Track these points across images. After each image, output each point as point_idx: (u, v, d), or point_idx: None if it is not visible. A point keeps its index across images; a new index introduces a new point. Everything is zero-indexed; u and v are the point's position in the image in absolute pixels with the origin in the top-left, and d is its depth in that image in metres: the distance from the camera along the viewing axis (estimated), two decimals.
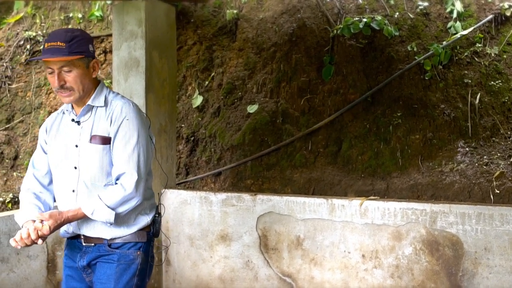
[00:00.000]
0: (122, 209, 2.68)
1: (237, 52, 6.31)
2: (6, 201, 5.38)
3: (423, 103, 5.24)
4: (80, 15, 6.87)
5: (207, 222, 4.68)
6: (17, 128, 6.28)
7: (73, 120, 2.79)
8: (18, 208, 5.18)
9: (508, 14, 5.72)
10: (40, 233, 2.55)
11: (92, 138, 2.73)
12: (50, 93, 6.50)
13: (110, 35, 6.23)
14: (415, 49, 5.59)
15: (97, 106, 2.77)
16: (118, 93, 2.90)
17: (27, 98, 6.46)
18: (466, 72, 5.44)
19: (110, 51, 6.39)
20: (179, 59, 6.58)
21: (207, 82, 6.27)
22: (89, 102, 2.75)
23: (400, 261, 4.10)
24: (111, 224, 2.69)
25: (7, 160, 5.94)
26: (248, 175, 5.35)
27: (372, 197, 4.32)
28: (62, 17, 6.88)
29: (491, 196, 4.34)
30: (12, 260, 4.07)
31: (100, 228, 2.75)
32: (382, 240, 4.16)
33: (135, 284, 2.79)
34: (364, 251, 4.23)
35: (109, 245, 2.76)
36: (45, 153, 2.90)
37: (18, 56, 6.68)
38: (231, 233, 4.73)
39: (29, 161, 5.69)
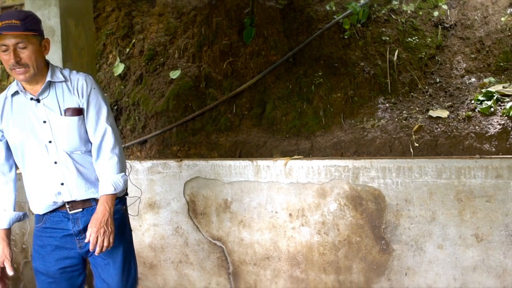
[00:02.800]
0: (124, 165, 3.00)
1: (157, 18, 6.20)
2: None
3: (344, 62, 5.30)
4: None
5: (134, 190, 4.64)
6: None
7: (31, 98, 2.89)
8: None
9: None
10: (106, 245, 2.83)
11: (66, 111, 2.88)
12: None
13: (23, 4, 6.00)
14: (334, 9, 5.63)
15: (57, 82, 2.91)
16: (67, 69, 3.05)
17: None
18: (384, 29, 5.52)
19: None
20: (98, 27, 6.42)
21: (128, 49, 6.14)
22: (48, 78, 2.89)
23: (326, 217, 4.19)
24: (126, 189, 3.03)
25: None
26: (174, 142, 5.31)
27: (296, 157, 4.38)
28: None
29: (411, 150, 4.46)
30: None
31: (91, 190, 2.95)
32: (307, 198, 4.24)
33: (129, 233, 3.17)
34: (290, 210, 4.29)
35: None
36: (0, 140, 3.00)
37: None
38: (159, 200, 4.71)
39: None
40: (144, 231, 4.75)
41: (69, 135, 2.89)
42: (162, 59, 5.88)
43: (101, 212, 2.81)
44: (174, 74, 5.65)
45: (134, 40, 6.16)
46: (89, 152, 2.96)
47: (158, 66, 5.85)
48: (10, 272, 2.90)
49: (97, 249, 2.76)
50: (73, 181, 2.92)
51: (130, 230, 3.20)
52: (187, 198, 4.62)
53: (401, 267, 4.03)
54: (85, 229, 2.89)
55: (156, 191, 4.71)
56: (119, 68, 6.02)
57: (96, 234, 2.76)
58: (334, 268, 4.19)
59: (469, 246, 3.85)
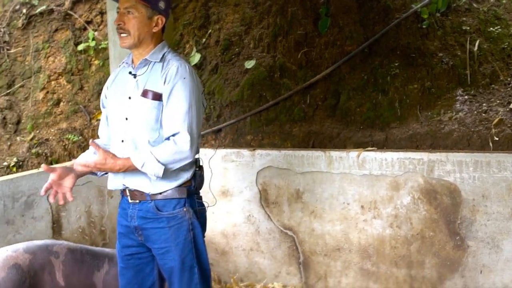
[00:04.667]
0: (172, 166, 2.74)
1: (233, 8, 6.25)
2: (11, 165, 5.41)
3: (421, 52, 5.18)
4: None
5: (208, 178, 4.71)
6: (18, 93, 6.28)
7: (130, 72, 2.90)
8: (22, 170, 5.26)
9: None
10: (86, 162, 2.72)
11: (144, 92, 2.80)
12: (49, 56, 6.48)
13: None
14: None
15: (154, 62, 2.84)
16: (178, 54, 2.96)
17: (27, 63, 6.44)
18: (464, 19, 5.37)
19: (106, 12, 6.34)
20: (176, 17, 6.52)
21: (204, 39, 6.22)
22: (147, 57, 2.84)
23: (399, 210, 4.13)
24: (157, 178, 2.74)
25: (10, 125, 5.96)
26: (247, 131, 5.35)
27: (369, 148, 4.33)
28: None
29: (490, 144, 4.33)
30: (18, 222, 4.13)
31: (142, 181, 2.82)
32: (380, 191, 4.19)
33: (193, 238, 2.88)
34: (363, 202, 4.26)
35: (156, 207, 2.83)
36: (104, 107, 3.07)
37: (15, 21, 6.63)
38: (232, 188, 4.77)
39: (32, 125, 5.78)
40: (217, 218, 4.81)
41: (138, 117, 2.81)
42: (237, 49, 5.92)
43: (112, 163, 2.73)
44: (249, 64, 5.68)
45: (210, 30, 6.23)
46: (155, 143, 2.82)
47: (233, 56, 5.90)
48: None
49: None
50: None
51: (194, 238, 2.89)
52: (260, 187, 4.66)
53: (476, 265, 3.92)
54: (140, 226, 2.88)
55: (229, 179, 4.77)
56: (196, 58, 6.10)
57: (89, 165, 2.73)
58: (406, 262, 4.13)
59: None
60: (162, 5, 2.85)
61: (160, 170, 2.70)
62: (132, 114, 2.84)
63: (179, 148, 2.72)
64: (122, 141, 2.86)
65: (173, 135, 2.75)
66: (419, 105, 4.87)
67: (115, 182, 2.94)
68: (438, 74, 5.01)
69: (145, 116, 2.80)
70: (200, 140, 2.99)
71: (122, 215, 2.99)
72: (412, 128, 4.71)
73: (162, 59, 2.86)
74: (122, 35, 2.81)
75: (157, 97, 2.78)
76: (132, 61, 2.93)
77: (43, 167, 2.77)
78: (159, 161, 2.69)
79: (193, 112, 2.77)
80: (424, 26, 5.36)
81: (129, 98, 2.86)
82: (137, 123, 2.82)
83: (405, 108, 4.89)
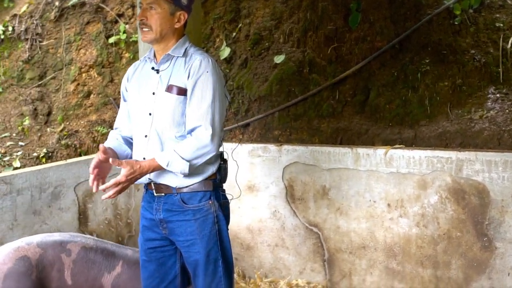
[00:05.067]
0: (196, 161, 2.75)
1: (263, 2, 6.23)
2: (40, 156, 5.48)
3: (453, 49, 5.10)
4: None
5: (233, 172, 4.71)
6: (49, 84, 6.36)
7: (153, 68, 2.91)
8: (52, 162, 5.33)
9: None
10: (115, 180, 2.67)
11: (169, 87, 2.82)
12: (80, 49, 6.54)
13: None
14: None
15: (177, 56, 2.85)
16: (199, 48, 2.97)
17: (58, 55, 6.52)
18: (498, 15, 5.26)
19: None
20: (207, 11, 6.53)
21: (234, 34, 6.22)
22: (169, 52, 2.86)
23: (426, 210, 4.08)
24: (183, 175, 2.76)
25: (40, 116, 6.04)
26: (275, 126, 5.34)
27: (397, 146, 4.28)
28: None
29: None
30: (45, 213, 4.19)
31: (167, 175, 2.83)
32: (407, 189, 4.13)
33: (218, 231, 2.89)
34: (389, 200, 4.21)
35: (182, 200, 2.85)
36: (125, 100, 3.07)
37: (47, 14, 6.70)
38: (258, 183, 4.76)
39: (62, 117, 5.85)
40: (243, 213, 4.81)
41: (163, 113, 2.82)
42: (267, 44, 5.90)
43: (143, 167, 2.71)
44: (278, 59, 5.66)
45: (240, 25, 6.22)
46: (181, 137, 2.83)
47: (262, 51, 5.89)
48: (95, 159, 2.83)
49: (109, 194, 2.70)
50: None
51: (219, 231, 2.90)
52: (286, 183, 4.64)
53: (503, 267, 3.84)
54: (165, 219, 2.88)
55: (255, 174, 4.76)
56: (225, 52, 6.11)
57: (120, 180, 2.66)
58: (432, 263, 4.07)
59: None
60: (184, 0, 2.86)
61: (185, 167, 2.71)
62: (156, 109, 2.84)
63: (201, 143, 2.73)
64: (146, 136, 2.87)
65: (194, 129, 2.77)
66: (449, 102, 4.79)
67: None
68: (470, 71, 4.92)
69: (170, 111, 2.81)
70: (223, 134, 3.00)
71: (146, 208, 3.00)
72: (442, 126, 4.64)
73: (185, 53, 2.87)
74: (144, 29, 2.83)
75: (182, 92, 2.80)
76: (154, 56, 2.94)
77: (101, 147, 2.80)
78: (183, 158, 2.71)
79: (216, 105, 2.78)
80: (456, 23, 5.27)
81: (153, 93, 2.87)
82: (162, 118, 2.83)
83: (435, 106, 4.82)
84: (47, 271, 3.05)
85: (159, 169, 2.76)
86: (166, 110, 2.82)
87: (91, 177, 2.82)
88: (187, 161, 2.71)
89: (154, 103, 2.85)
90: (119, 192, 2.72)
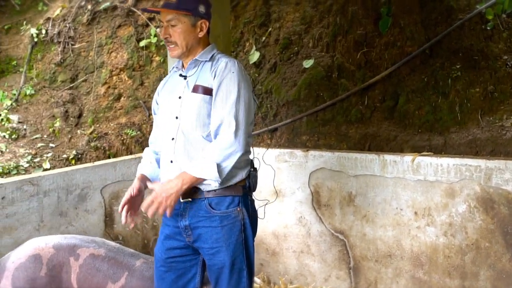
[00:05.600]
0: (226, 164, 2.70)
1: (294, 6, 6.21)
2: (70, 157, 5.54)
3: (484, 55, 5.00)
4: None
5: (260, 177, 4.69)
6: (80, 87, 6.44)
7: (180, 75, 2.94)
8: (81, 163, 5.38)
9: None
10: (161, 209, 2.65)
11: (194, 87, 2.83)
12: (111, 52, 6.61)
13: None
14: None
15: (204, 61, 2.88)
16: (227, 55, 2.96)
17: (90, 58, 6.60)
18: None
19: None
20: (237, 15, 6.54)
21: (264, 38, 6.21)
22: (197, 57, 2.89)
23: (454, 219, 4.00)
24: (218, 181, 2.70)
25: (71, 118, 6.11)
26: (303, 131, 5.30)
27: (424, 153, 4.20)
28: None
29: None
30: (71, 214, 4.23)
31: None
32: (434, 197, 4.06)
33: (244, 239, 2.84)
34: (416, 208, 4.14)
35: (209, 205, 2.80)
36: (155, 113, 3.11)
37: (80, 17, 6.79)
38: (284, 189, 4.73)
39: (92, 119, 5.90)
40: (269, 218, 4.78)
41: (189, 113, 2.81)
42: (296, 48, 5.87)
43: (174, 183, 2.67)
44: (307, 64, 5.63)
45: (270, 29, 6.21)
46: (208, 137, 2.80)
47: (292, 55, 5.86)
48: (127, 195, 2.89)
49: (149, 213, 2.64)
50: (182, 163, 2.81)
51: (245, 239, 2.86)
52: (312, 189, 4.60)
53: None
54: (191, 225, 2.83)
55: (281, 180, 4.73)
56: (255, 56, 6.10)
57: (152, 199, 2.63)
58: (459, 273, 3.99)
59: None
60: (202, 8, 2.87)
61: (217, 171, 2.67)
62: (182, 111, 2.84)
63: (226, 141, 2.70)
64: (173, 139, 2.86)
65: (218, 128, 2.74)
66: (480, 109, 4.70)
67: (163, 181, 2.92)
68: (502, 77, 4.81)
69: (196, 111, 2.80)
70: (251, 140, 2.97)
71: (171, 217, 2.90)
72: (472, 133, 4.55)
73: (212, 58, 2.89)
74: (170, 46, 2.87)
75: (208, 91, 2.79)
76: (182, 65, 2.97)
77: (135, 185, 2.93)
78: (213, 163, 2.67)
79: (240, 104, 2.75)
80: (488, 28, 5.17)
81: (179, 97, 2.88)
82: (188, 120, 2.82)
83: (465, 112, 4.73)
84: (57, 270, 3.13)
85: (193, 181, 2.71)
86: (192, 110, 2.81)
87: (123, 214, 2.88)
88: (217, 164, 2.67)
89: (181, 107, 2.85)
90: (156, 210, 2.66)
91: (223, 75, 2.76)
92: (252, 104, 2.88)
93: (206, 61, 2.87)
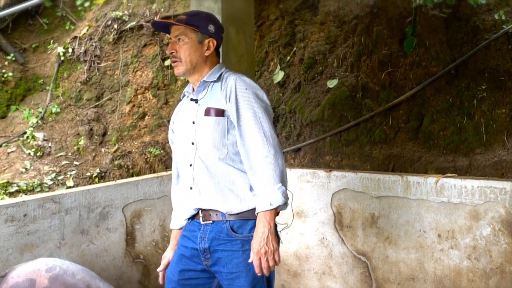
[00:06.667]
0: (281, 178, 2.59)
1: (318, 26, 6.21)
2: (93, 175, 5.58)
3: (510, 75, 4.94)
4: None
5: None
6: (105, 105, 6.50)
7: (191, 99, 2.88)
8: (104, 181, 5.41)
9: None
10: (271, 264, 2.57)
11: (206, 111, 2.75)
12: (136, 71, 6.67)
13: None
14: (503, 18, 5.27)
15: (212, 82, 2.82)
16: (234, 72, 2.88)
17: (115, 77, 6.66)
18: None
19: None
20: (262, 35, 6.56)
21: (288, 57, 6.21)
22: (205, 78, 2.83)
23: (478, 242, 3.92)
24: (287, 200, 2.60)
25: (96, 136, 6.16)
26: (327, 151, 5.27)
27: (448, 175, 4.14)
28: None
29: None
30: (92, 232, 4.23)
31: (217, 201, 2.72)
32: (458, 220, 3.99)
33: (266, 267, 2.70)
34: (440, 230, 4.07)
35: (231, 228, 2.72)
36: (173, 142, 3.04)
37: (106, 36, 6.88)
38: (306, 209, 4.70)
39: (117, 137, 5.95)
40: (290, 239, 4.75)
41: (204, 137, 2.74)
42: (320, 68, 5.87)
43: (260, 231, 2.54)
44: (332, 83, 5.61)
45: (295, 48, 6.21)
46: (225, 159, 2.73)
47: (316, 75, 5.85)
48: (160, 268, 3.02)
49: (265, 271, 2.54)
50: (202, 188, 2.76)
51: None
52: (334, 210, 4.56)
53: None
54: (209, 248, 2.74)
55: (304, 200, 4.70)
56: (279, 76, 6.10)
57: (258, 256, 2.51)
58: None
59: None
60: (212, 28, 2.83)
61: (281, 191, 2.57)
62: (198, 136, 2.78)
63: (273, 156, 2.61)
64: (190, 165, 2.80)
65: (251, 143, 2.64)
66: (506, 130, 4.63)
67: (188, 207, 2.87)
68: None
69: (211, 134, 2.74)
70: (281, 149, 2.76)
71: (189, 238, 2.86)
72: (498, 155, 4.48)
73: (220, 78, 2.83)
74: (175, 62, 2.81)
75: (220, 113, 2.73)
76: (193, 90, 2.90)
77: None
78: (273, 185, 2.57)
79: (264, 116, 2.67)
80: None
81: (193, 122, 2.82)
82: (204, 144, 2.76)
83: (491, 134, 4.67)
84: None
85: (273, 214, 2.58)
86: (207, 134, 2.74)
87: (160, 275, 3.03)
88: (278, 183, 2.57)
89: (195, 132, 2.79)
90: (270, 266, 2.56)
91: (236, 96, 2.70)
92: (269, 107, 2.79)
93: (214, 81, 2.82)
